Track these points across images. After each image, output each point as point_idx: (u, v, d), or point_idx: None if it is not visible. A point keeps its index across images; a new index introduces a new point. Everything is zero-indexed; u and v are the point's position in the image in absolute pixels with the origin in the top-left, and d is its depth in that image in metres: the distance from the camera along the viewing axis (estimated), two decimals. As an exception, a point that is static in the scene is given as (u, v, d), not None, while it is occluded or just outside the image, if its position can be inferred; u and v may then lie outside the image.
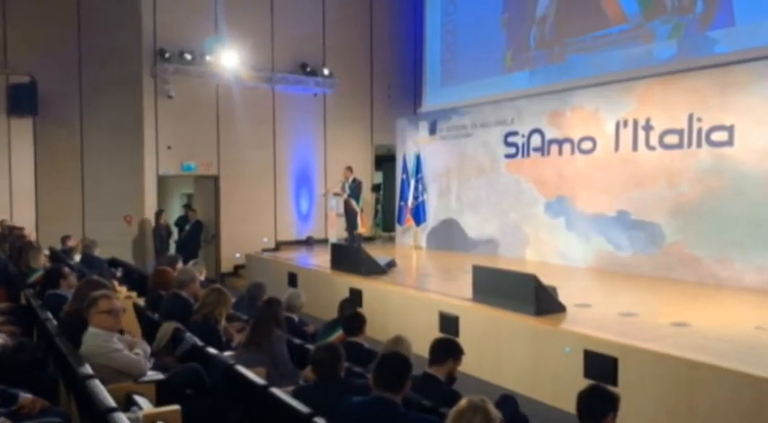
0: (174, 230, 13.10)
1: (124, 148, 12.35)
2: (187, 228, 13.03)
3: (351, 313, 4.83)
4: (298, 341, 4.94)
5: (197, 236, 13.11)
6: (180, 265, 8.11)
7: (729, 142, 7.98)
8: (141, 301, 6.33)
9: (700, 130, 8.28)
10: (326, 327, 5.38)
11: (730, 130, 7.97)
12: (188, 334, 4.50)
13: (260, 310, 4.65)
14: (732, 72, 8.05)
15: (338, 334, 4.94)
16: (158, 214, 12.29)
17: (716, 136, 8.12)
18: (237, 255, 12.99)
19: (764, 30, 7.95)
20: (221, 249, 13.17)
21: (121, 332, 4.95)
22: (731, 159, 7.95)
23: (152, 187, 12.48)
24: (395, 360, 3.17)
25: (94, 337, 3.79)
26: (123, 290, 7.95)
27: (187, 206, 13.74)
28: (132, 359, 3.80)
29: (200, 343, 4.35)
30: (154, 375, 3.92)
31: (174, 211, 14.42)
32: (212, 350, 4.21)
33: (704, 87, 8.25)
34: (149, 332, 5.43)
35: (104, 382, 3.53)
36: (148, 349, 4.17)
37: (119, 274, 9.20)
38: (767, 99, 7.61)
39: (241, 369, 3.77)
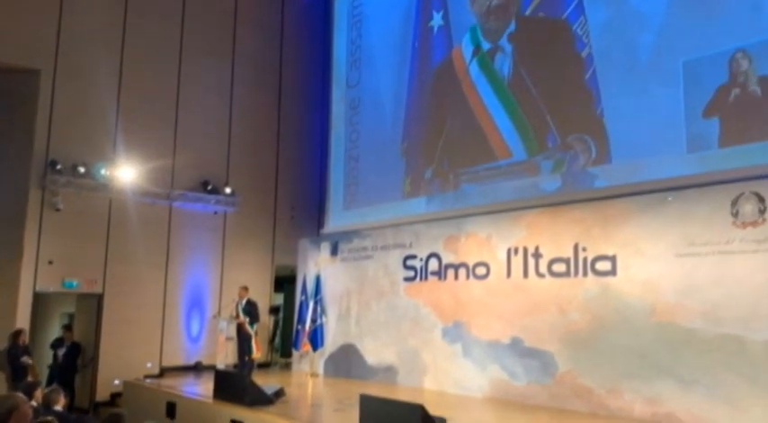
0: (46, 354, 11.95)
1: (0, 262, 11.44)
2: (63, 351, 11.93)
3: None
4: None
5: (74, 359, 12.00)
6: (38, 392, 7.29)
7: (613, 272, 8.24)
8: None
9: (585, 260, 8.55)
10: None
11: (613, 260, 8.26)
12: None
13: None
14: (612, 205, 8.46)
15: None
16: (16, 334, 10.53)
17: (600, 265, 8.38)
18: (116, 381, 11.89)
19: (637, 168, 8.51)
20: (99, 375, 12.00)
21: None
22: (615, 289, 8.17)
23: (26, 305, 11.41)
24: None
25: None
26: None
27: (66, 327, 12.66)
28: None
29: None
30: None
31: (54, 332, 13.27)
32: None
33: (587, 219, 8.62)
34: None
35: None
36: None
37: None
38: (645, 231, 7.99)
39: None
